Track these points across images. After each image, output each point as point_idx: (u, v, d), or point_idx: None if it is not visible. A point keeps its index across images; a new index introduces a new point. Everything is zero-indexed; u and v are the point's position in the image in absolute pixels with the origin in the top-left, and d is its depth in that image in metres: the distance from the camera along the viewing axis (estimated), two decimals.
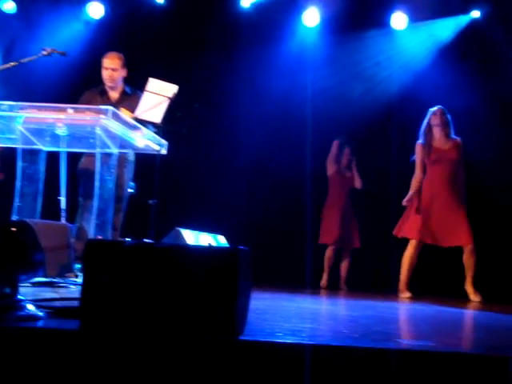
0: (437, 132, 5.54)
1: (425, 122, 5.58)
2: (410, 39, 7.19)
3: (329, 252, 6.78)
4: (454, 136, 5.58)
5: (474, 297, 5.32)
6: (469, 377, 1.79)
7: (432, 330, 2.77)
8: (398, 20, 7.12)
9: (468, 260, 5.37)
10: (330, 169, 6.87)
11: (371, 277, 6.69)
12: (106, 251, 1.99)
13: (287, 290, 5.31)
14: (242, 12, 7.24)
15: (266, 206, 7.03)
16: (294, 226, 7.01)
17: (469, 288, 5.38)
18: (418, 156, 5.60)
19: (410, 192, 5.58)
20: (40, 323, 2.01)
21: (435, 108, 5.58)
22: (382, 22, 7.16)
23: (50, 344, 1.82)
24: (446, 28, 7.09)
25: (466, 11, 7.04)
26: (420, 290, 5.72)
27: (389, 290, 5.84)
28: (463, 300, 5.27)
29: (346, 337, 2.19)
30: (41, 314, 2.13)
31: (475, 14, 7.02)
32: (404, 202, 5.57)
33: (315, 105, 6.90)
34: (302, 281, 6.39)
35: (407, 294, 5.42)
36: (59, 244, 3.54)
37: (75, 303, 2.12)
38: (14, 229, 2.14)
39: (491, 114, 6.04)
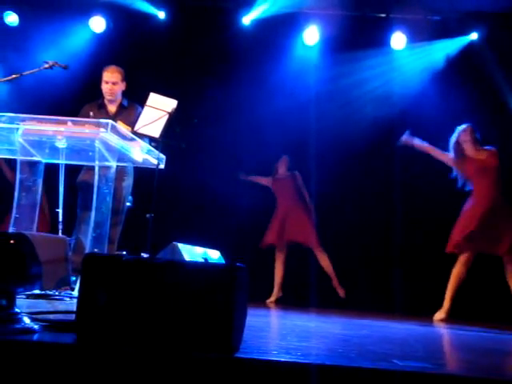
0: (467, 147, 5.49)
1: (453, 139, 5.52)
2: (409, 59, 7.25)
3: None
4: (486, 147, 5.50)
5: None
6: None
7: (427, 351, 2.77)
8: (398, 40, 7.17)
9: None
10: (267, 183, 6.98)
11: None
12: (104, 265, 2.00)
13: (281, 307, 5.29)
14: (243, 29, 7.30)
15: (264, 222, 7.00)
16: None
17: None
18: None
19: None
20: (35, 336, 2.01)
21: (464, 126, 5.53)
22: (382, 42, 7.21)
23: (45, 358, 1.82)
24: (445, 49, 7.16)
25: (465, 33, 7.11)
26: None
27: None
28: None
29: (341, 356, 2.19)
30: (36, 327, 2.12)
31: (473, 36, 7.09)
32: None
33: (316, 123, 6.91)
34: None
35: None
36: (57, 257, 3.53)
37: (71, 316, 2.11)
38: (12, 241, 2.14)
39: (488, 135, 6.05)
